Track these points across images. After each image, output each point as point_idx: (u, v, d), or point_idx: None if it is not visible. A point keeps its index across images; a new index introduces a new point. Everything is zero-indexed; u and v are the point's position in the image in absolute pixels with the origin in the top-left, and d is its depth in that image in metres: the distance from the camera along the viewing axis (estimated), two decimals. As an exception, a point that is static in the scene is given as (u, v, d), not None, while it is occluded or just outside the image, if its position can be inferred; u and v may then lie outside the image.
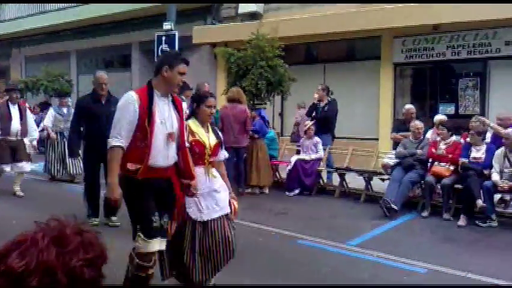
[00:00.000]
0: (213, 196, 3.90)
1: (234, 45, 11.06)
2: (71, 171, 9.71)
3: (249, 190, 8.87)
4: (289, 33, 11.04)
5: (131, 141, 3.41)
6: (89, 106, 6.40)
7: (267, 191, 8.98)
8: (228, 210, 4.02)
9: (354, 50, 12.39)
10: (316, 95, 9.50)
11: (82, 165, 8.85)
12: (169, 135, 3.49)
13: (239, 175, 8.71)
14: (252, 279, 4.65)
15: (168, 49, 10.83)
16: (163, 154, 3.47)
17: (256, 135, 8.87)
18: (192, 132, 3.90)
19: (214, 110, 4.06)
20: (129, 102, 3.40)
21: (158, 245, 3.50)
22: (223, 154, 4.30)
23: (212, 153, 4.00)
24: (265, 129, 9.22)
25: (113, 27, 16.08)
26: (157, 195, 3.53)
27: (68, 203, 7.04)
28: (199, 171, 3.86)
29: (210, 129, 4.09)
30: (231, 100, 8.65)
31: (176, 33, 10.88)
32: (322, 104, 9.41)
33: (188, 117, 4.13)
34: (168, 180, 3.60)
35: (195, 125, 3.99)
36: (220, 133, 4.31)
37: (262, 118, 9.22)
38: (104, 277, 1.35)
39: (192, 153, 3.77)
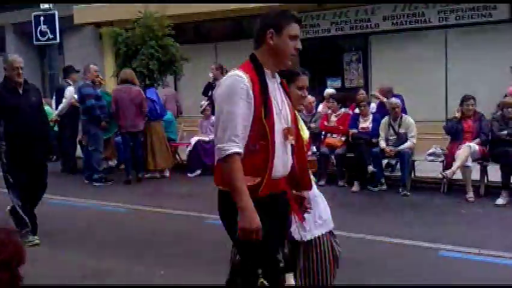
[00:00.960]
0: (314, 206, 3.02)
1: (120, 24, 10.57)
2: None
3: (149, 175, 8.66)
4: (178, 11, 10.79)
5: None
6: (4, 98, 5.15)
7: (167, 174, 8.84)
8: (332, 225, 3.26)
9: (244, 29, 12.46)
10: (211, 74, 9.47)
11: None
12: (287, 132, 2.47)
13: (137, 160, 8.46)
14: (164, 265, 4.57)
15: (48, 31, 10.06)
16: (282, 159, 2.46)
17: (146, 118, 8.54)
18: None
19: (306, 93, 3.06)
20: (241, 87, 2.30)
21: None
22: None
23: (307, 149, 3.14)
24: (157, 112, 8.85)
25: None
26: (280, 218, 2.58)
27: None
28: None
29: (299, 118, 3.12)
30: (123, 81, 8.30)
31: (56, 13, 10.12)
32: (218, 83, 9.38)
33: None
34: (285, 194, 2.62)
35: None
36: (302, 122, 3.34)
37: (152, 100, 8.77)
38: (21, 278, 1.24)
39: None
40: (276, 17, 2.46)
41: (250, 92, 2.30)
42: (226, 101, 2.31)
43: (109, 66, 12.58)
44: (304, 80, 3.03)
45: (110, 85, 11.41)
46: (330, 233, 3.24)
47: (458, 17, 9.76)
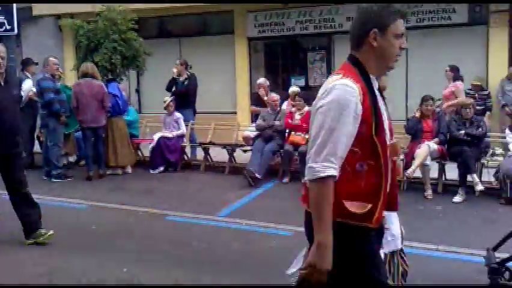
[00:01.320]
0: (391, 222, 2.77)
1: (82, 17, 10.32)
2: None
3: (110, 171, 8.49)
4: (141, 5, 10.62)
5: (344, 163, 1.99)
6: None
7: (129, 170, 8.70)
8: (400, 245, 3.02)
9: (209, 25, 12.39)
10: (175, 70, 9.37)
11: None
12: (392, 148, 2.13)
13: (98, 156, 8.29)
14: (126, 262, 4.50)
15: (5, 21, 9.69)
16: (390, 180, 2.13)
17: (108, 114, 8.38)
18: None
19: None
20: (351, 101, 1.94)
21: None
22: None
23: None
24: (119, 107, 8.66)
25: None
26: None
27: None
28: None
29: None
30: (84, 75, 8.10)
31: (15, 4, 9.76)
32: (182, 79, 9.32)
33: None
34: None
35: None
36: None
37: (114, 95, 8.56)
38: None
39: None
40: (380, 14, 2.07)
41: (360, 106, 1.95)
42: (331, 115, 1.94)
43: (69, 59, 12.29)
44: (384, 80, 2.72)
45: (71, 79, 11.14)
46: (395, 254, 3.03)
47: (419, 20, 10.00)
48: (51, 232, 4.99)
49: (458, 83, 8.41)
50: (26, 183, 5.08)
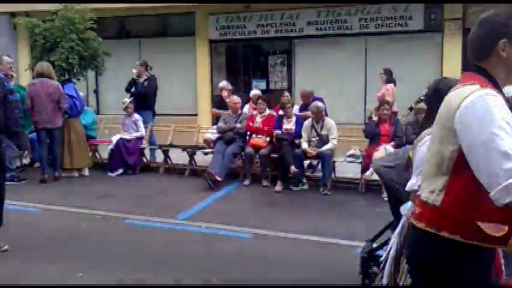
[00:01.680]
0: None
1: (37, 15, 10.02)
2: None
3: (65, 174, 8.26)
4: (100, 4, 10.41)
5: (471, 180, 1.79)
6: None
7: (87, 173, 8.49)
8: None
9: (170, 26, 12.29)
10: (134, 70, 9.22)
11: None
12: None
13: (54, 158, 8.06)
14: (82, 267, 4.38)
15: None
16: None
17: (66, 115, 8.16)
18: None
19: None
20: (504, 108, 1.81)
21: None
22: None
23: None
24: (77, 108, 8.46)
25: None
26: None
27: None
28: None
29: None
30: (40, 75, 7.86)
31: (-35, 0, 9.40)
32: (141, 80, 9.18)
33: None
34: None
35: None
36: None
37: (70, 95, 8.31)
38: None
39: None
40: (507, 23, 1.92)
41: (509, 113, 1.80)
42: (495, 124, 1.72)
43: (24, 59, 11.93)
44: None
45: (25, 79, 10.79)
46: None
47: (377, 25, 10.24)
48: (6, 247, 4.80)
49: (389, 85, 8.83)
50: (5, 190, 4.90)
